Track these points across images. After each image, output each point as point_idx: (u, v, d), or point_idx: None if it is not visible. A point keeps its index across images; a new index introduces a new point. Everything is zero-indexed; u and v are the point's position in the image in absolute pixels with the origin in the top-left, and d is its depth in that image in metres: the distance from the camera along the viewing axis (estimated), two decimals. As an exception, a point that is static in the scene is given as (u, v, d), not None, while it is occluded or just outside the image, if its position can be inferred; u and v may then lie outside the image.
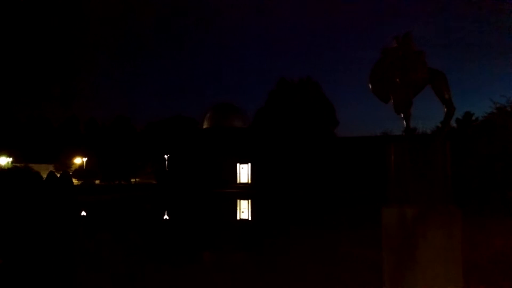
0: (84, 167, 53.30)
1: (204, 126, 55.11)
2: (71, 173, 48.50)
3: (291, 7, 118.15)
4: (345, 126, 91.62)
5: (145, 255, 11.72)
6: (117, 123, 60.92)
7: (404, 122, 6.59)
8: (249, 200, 33.76)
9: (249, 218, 23.46)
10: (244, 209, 28.57)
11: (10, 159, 51.04)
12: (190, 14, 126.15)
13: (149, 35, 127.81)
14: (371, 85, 6.83)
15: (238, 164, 50.12)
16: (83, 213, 25.25)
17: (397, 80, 6.43)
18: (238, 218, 23.56)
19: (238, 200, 33.58)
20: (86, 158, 53.48)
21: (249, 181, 49.31)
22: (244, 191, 41.99)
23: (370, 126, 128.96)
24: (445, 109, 6.46)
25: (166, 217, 24.14)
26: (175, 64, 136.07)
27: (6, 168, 45.42)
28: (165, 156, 52.92)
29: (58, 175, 43.54)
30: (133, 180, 53.40)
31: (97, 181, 50.51)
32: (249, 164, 49.39)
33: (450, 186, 6.20)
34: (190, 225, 19.31)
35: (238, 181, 49.79)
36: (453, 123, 45.15)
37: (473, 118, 34.44)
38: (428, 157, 6.15)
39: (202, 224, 19.75)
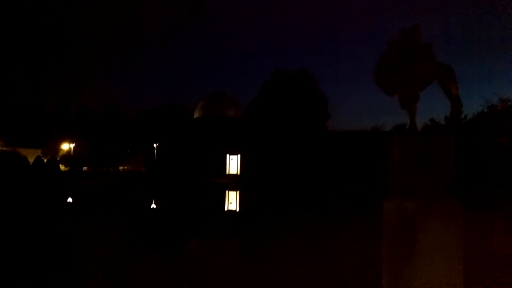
0: (72, 153, 52.70)
1: (196, 115, 54.74)
2: (58, 159, 47.98)
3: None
4: (337, 119, 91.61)
5: (132, 242, 11.67)
6: (108, 110, 60.25)
7: (409, 117, 6.56)
8: (238, 191, 33.67)
9: (237, 208, 23.38)
10: (232, 200, 28.46)
11: (-2, 143, 50.26)
12: (184, 2, 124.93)
13: (144, 24, 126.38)
14: (376, 78, 6.75)
15: (228, 155, 49.95)
16: (70, 199, 24.92)
17: (404, 74, 6.36)
18: (226, 208, 23.46)
19: (227, 191, 33.45)
20: (73, 144, 52.83)
21: (239, 171, 49.19)
22: (233, 182, 41.81)
23: (361, 120, 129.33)
24: (451, 105, 6.42)
25: (154, 205, 23.95)
26: (169, 52, 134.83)
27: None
28: (155, 145, 52.52)
29: (45, 161, 43.08)
30: (122, 167, 52.98)
31: (85, 168, 50.06)
32: (239, 154, 49.24)
33: (452, 181, 6.17)
34: (178, 214, 19.17)
35: (227, 172, 49.65)
36: (441, 121, 45.53)
37: (462, 116, 34.67)
38: (432, 152, 6.10)
39: (190, 212, 19.60)
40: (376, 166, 35.31)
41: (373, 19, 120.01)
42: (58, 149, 54.63)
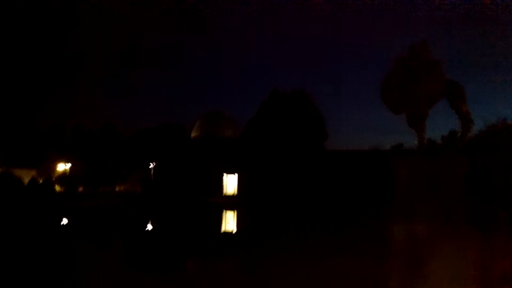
0: (68, 173, 52.13)
1: (194, 135, 54.51)
2: (54, 179, 47.43)
3: (288, 18, 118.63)
4: (336, 139, 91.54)
5: (128, 264, 11.52)
6: (104, 129, 59.73)
7: (417, 135, 6.28)
8: (235, 211, 33.34)
9: (235, 229, 23.12)
10: (230, 219, 28.15)
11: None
12: (182, 21, 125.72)
13: (140, 42, 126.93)
14: (383, 96, 6.50)
15: (225, 174, 49.57)
16: (65, 220, 24.52)
17: (411, 91, 6.11)
18: (223, 228, 23.18)
19: (224, 210, 33.11)
20: (70, 164, 52.31)
21: (236, 191, 48.76)
22: (231, 201, 41.43)
23: (359, 140, 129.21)
24: (461, 123, 6.15)
25: (150, 226, 23.58)
26: (167, 71, 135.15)
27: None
28: (152, 164, 52.06)
29: (41, 181, 42.65)
30: (118, 187, 52.39)
31: (81, 188, 49.52)
32: (237, 174, 48.88)
33: (463, 203, 5.88)
34: (175, 234, 18.94)
35: (225, 191, 49.20)
36: (438, 140, 45.26)
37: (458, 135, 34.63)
38: (443, 173, 5.84)
39: (187, 233, 19.37)
40: (374, 185, 35.29)
41: (373, 38, 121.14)
42: (53, 169, 54.02)
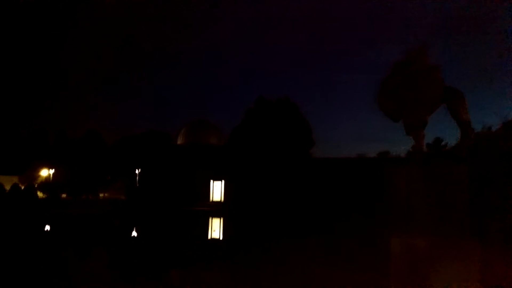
0: (51, 180, 51.23)
1: (179, 142, 54.07)
2: (36, 186, 46.67)
3: (274, 28, 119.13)
4: (322, 147, 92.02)
5: (111, 272, 11.37)
6: (88, 136, 58.84)
7: (415, 143, 6.05)
8: (222, 218, 33.02)
9: (221, 236, 22.87)
10: (216, 227, 27.83)
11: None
12: (167, 28, 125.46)
13: (124, 50, 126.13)
14: (379, 103, 6.26)
15: (211, 181, 49.15)
16: (47, 227, 24.12)
17: (410, 98, 5.88)
18: (209, 235, 22.92)
19: (210, 218, 32.75)
20: (53, 170, 51.42)
21: (222, 199, 48.35)
22: (217, 209, 41.06)
23: (345, 148, 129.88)
24: (461, 131, 5.95)
25: (135, 233, 23.18)
26: (151, 79, 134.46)
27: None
28: (136, 171, 51.46)
29: (23, 187, 41.98)
30: (101, 195, 51.70)
31: (64, 195, 48.80)
32: (223, 181, 48.49)
33: (467, 215, 5.64)
34: (159, 243, 18.62)
35: (211, 199, 48.75)
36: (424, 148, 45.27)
37: (443, 143, 34.92)
38: (445, 184, 5.59)
39: (172, 241, 19.05)
40: (362, 193, 35.30)
41: (362, 46, 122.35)
42: (36, 176, 53.08)
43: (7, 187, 39.66)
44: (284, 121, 44.67)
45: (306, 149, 46.29)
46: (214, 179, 48.96)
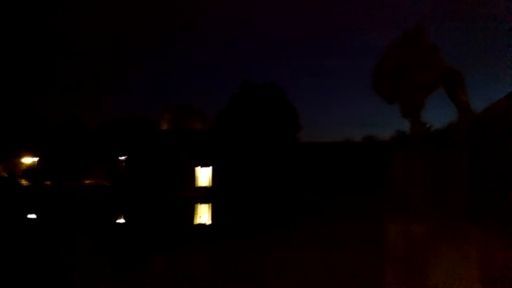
0: (36, 167, 50.60)
1: (162, 127, 53.45)
2: (20, 174, 46.19)
3: (260, 11, 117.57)
4: (309, 131, 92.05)
5: (97, 258, 11.37)
6: (68, 121, 57.62)
7: (411, 127, 5.84)
8: (208, 204, 32.96)
9: (207, 222, 22.83)
10: (202, 213, 27.75)
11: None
12: (148, 11, 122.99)
13: (104, 32, 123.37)
14: (374, 84, 6.02)
15: (197, 167, 48.87)
16: (33, 215, 23.86)
17: (407, 79, 5.65)
18: (195, 222, 22.85)
19: (196, 204, 32.62)
20: (37, 158, 50.74)
21: (208, 184, 48.17)
22: (203, 194, 40.92)
23: (332, 132, 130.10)
24: (459, 114, 5.75)
25: (120, 220, 22.99)
26: (132, 62, 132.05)
27: None
28: (120, 158, 50.87)
29: (6, 175, 41.64)
30: (86, 181, 51.17)
31: (48, 182, 48.28)
32: (208, 167, 48.28)
33: (467, 200, 5.50)
34: (145, 228, 18.54)
35: (197, 184, 48.52)
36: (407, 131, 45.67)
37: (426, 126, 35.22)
38: (444, 168, 5.42)
39: (157, 227, 18.97)
40: (352, 177, 35.54)
41: (347, 31, 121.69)
42: (19, 163, 52.33)
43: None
44: (270, 105, 44.39)
45: (293, 134, 46.19)
46: (199, 164, 48.70)
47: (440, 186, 5.46)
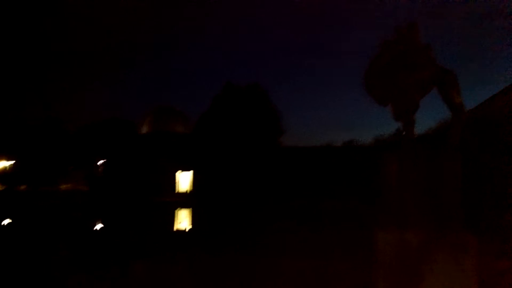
0: (10, 171, 49.05)
1: (143, 131, 52.57)
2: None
3: (243, 11, 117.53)
4: (293, 135, 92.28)
5: (74, 265, 10.95)
6: (47, 124, 56.23)
7: (405, 130, 5.59)
8: (188, 209, 32.47)
9: (188, 228, 22.40)
10: (182, 219, 27.26)
11: None
12: (129, 12, 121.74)
13: (86, 34, 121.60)
14: (366, 85, 5.75)
15: (178, 171, 48.16)
16: (7, 221, 23.08)
17: (400, 79, 5.39)
18: (176, 226, 22.39)
19: (177, 209, 32.10)
20: (12, 162, 49.21)
21: (189, 189, 47.50)
22: (183, 200, 40.26)
23: (313, 136, 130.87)
24: (453, 115, 5.53)
25: (98, 226, 22.38)
26: (112, 63, 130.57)
27: None
28: (99, 162, 49.76)
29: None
30: (63, 186, 49.90)
31: (23, 187, 46.93)
32: (190, 171, 47.60)
33: (461, 207, 5.26)
34: (124, 235, 18.13)
35: (177, 189, 47.80)
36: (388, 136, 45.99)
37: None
38: (438, 172, 5.18)
39: (137, 233, 18.48)
40: (337, 182, 35.44)
41: (331, 32, 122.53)
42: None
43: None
44: (253, 108, 43.95)
45: (276, 138, 45.85)
46: (181, 169, 47.99)
47: (433, 190, 5.22)
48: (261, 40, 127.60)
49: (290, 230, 18.55)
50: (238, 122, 42.64)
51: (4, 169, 49.89)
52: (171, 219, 26.07)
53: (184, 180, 48.23)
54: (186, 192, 46.98)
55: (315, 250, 12.61)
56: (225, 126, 42.80)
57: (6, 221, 23.01)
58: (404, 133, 5.65)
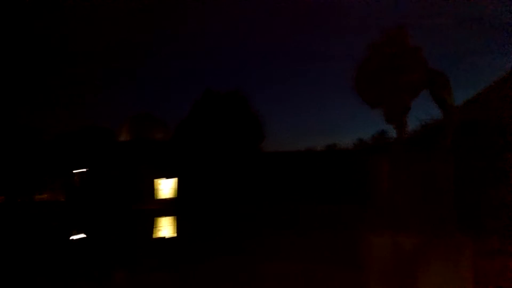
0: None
1: (122, 138, 51.85)
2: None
3: (223, 18, 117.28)
4: (274, 140, 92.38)
5: (51, 276, 10.70)
6: (21, 132, 54.98)
7: (397, 132, 5.59)
8: (169, 217, 32.07)
9: (169, 236, 22.08)
10: (163, 227, 26.86)
11: None
12: (105, 17, 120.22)
13: (61, 40, 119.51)
14: (357, 88, 5.73)
15: (157, 179, 47.58)
16: None
17: (391, 82, 5.40)
18: (156, 235, 22.05)
19: (157, 217, 31.65)
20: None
21: (170, 195, 46.97)
22: (164, 207, 39.75)
23: (295, 142, 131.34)
24: (444, 117, 5.55)
25: (75, 236, 21.88)
26: (90, 71, 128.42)
27: None
28: (75, 171, 48.83)
29: None
30: (39, 196, 48.79)
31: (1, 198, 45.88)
32: (170, 178, 47.10)
33: (453, 210, 5.27)
34: (102, 245, 17.79)
35: (157, 197, 47.19)
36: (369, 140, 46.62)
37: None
38: (430, 175, 5.17)
39: (116, 243, 18.19)
40: (315, 185, 35.64)
41: (313, 37, 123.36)
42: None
43: None
44: (234, 114, 43.90)
45: (257, 143, 45.86)
46: (161, 176, 47.45)
47: (425, 192, 5.21)
48: (241, 45, 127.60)
49: (278, 234, 18.48)
50: (219, 129, 42.52)
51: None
52: (151, 227, 25.66)
53: (165, 187, 47.70)
54: (167, 199, 46.48)
55: (303, 254, 12.59)
56: (206, 133, 42.61)
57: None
58: (396, 134, 5.65)
